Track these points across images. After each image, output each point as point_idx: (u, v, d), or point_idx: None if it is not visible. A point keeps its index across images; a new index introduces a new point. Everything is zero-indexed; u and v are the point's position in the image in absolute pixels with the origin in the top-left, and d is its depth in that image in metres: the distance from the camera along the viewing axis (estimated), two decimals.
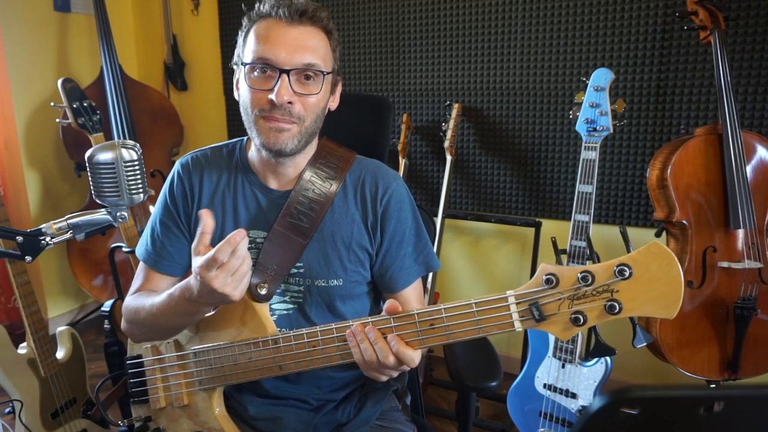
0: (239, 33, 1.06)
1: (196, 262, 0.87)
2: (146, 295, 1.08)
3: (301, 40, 1.00)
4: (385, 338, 0.89)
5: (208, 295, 0.88)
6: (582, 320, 0.80)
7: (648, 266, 0.77)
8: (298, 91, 1.00)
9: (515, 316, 0.83)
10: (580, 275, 0.79)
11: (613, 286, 0.78)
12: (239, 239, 0.84)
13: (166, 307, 1.00)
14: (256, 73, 1.01)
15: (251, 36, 1.02)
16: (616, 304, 0.78)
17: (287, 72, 0.98)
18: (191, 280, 0.91)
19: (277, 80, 0.98)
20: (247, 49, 1.02)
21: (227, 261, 0.84)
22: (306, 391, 1.13)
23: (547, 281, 0.81)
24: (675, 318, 1.90)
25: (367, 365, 0.91)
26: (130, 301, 1.11)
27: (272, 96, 0.98)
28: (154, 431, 1.16)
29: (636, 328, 0.84)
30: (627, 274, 0.77)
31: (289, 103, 0.99)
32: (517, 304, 0.83)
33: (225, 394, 1.15)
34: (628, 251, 0.79)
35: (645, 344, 0.86)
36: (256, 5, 1.03)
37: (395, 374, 0.94)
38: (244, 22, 1.05)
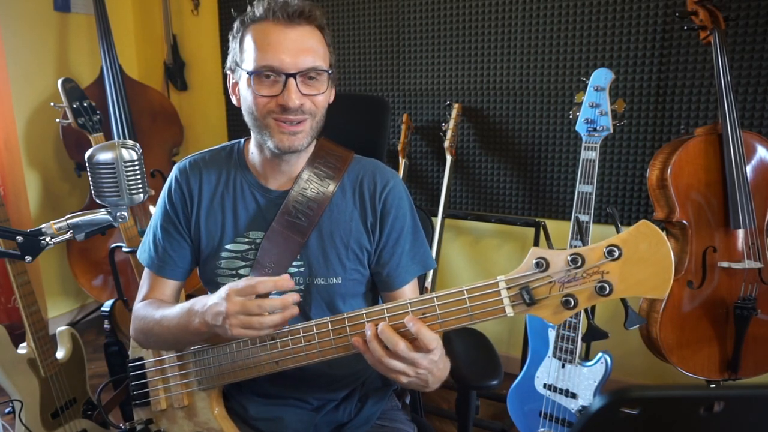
0: (231, 37, 1.06)
1: (238, 284, 0.90)
2: (155, 307, 1.09)
3: (301, 42, 1.00)
4: (397, 330, 0.86)
5: (215, 316, 0.91)
6: (573, 303, 0.79)
7: (637, 246, 0.76)
8: (306, 93, 1.01)
9: (506, 301, 0.83)
10: (569, 257, 0.79)
11: (602, 268, 0.78)
12: (281, 285, 0.89)
13: (172, 320, 1.03)
14: (261, 80, 1.00)
15: (249, 42, 1.01)
16: (606, 285, 0.77)
17: (293, 76, 0.99)
18: (206, 297, 0.95)
19: (285, 85, 0.99)
20: (246, 55, 1.01)
21: (249, 304, 0.88)
22: (306, 390, 1.13)
23: (537, 265, 0.81)
24: (675, 318, 1.90)
25: (383, 366, 0.87)
26: (139, 309, 1.12)
27: (283, 102, 0.99)
28: None
29: (628, 310, 0.84)
30: (616, 254, 0.76)
31: (300, 104, 1.00)
32: (508, 289, 0.83)
33: (225, 395, 1.15)
34: (618, 232, 0.79)
35: (637, 326, 0.86)
36: (248, 9, 1.02)
37: (421, 367, 0.87)
38: (236, 26, 1.04)
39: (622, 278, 0.77)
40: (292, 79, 0.98)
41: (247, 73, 1.01)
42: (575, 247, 1.69)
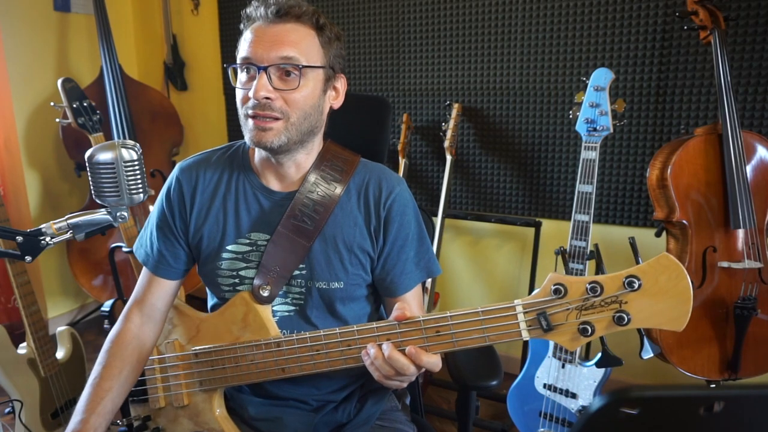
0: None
1: None
2: (103, 361, 1.08)
3: (280, 36, 1.00)
4: (403, 350, 0.88)
5: None
6: (590, 331, 0.80)
7: (657, 278, 0.77)
8: (279, 87, 0.99)
9: (523, 325, 0.84)
10: (588, 286, 0.80)
11: (621, 298, 0.79)
12: None
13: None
14: (242, 74, 1.02)
15: (241, 40, 1.04)
16: (624, 316, 0.78)
17: (265, 68, 0.98)
18: None
19: (257, 77, 0.99)
20: (238, 53, 1.04)
21: None
22: (306, 391, 1.13)
23: (556, 291, 0.81)
24: None
25: (386, 378, 0.91)
26: (111, 336, 1.11)
27: (250, 93, 0.99)
28: (153, 431, 1.16)
29: (644, 339, 0.85)
30: (636, 285, 0.78)
31: (268, 98, 0.99)
32: (525, 313, 0.84)
33: (225, 395, 1.15)
34: (637, 262, 0.80)
35: (653, 355, 0.87)
36: (243, 11, 1.04)
37: (413, 378, 0.94)
38: (242, 27, 1.06)
39: (641, 309, 0.79)
40: (263, 72, 0.98)
41: (229, 66, 1.04)
42: (576, 246, 1.70)
